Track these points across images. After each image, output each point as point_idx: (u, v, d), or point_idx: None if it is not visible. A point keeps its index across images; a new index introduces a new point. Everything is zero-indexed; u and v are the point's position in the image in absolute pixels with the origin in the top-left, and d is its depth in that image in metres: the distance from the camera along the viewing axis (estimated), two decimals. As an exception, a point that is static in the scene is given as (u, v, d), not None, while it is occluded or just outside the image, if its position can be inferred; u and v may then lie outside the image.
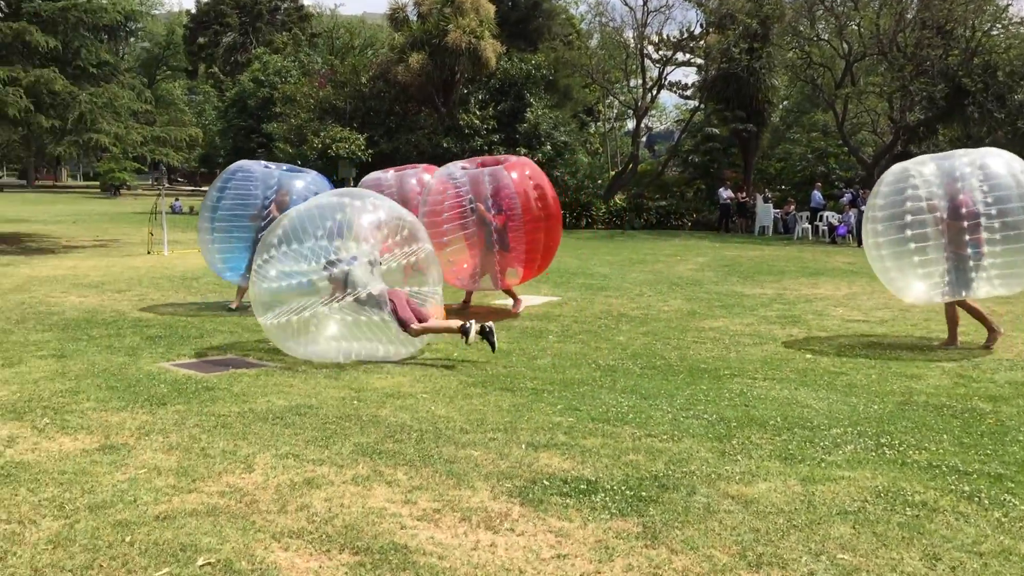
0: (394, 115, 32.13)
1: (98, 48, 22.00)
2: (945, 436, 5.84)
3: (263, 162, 12.50)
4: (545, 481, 4.79)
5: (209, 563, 3.69)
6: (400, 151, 29.62)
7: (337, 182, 21.46)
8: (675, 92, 42.01)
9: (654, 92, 38.68)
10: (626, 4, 35.35)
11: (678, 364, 8.30)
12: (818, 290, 14.29)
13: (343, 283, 8.05)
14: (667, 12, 35.70)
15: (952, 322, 9.24)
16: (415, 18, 31.83)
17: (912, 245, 8.78)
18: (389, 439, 5.55)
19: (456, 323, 8.31)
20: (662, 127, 69.55)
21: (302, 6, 62.61)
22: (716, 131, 35.21)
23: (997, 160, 8.82)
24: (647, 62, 36.85)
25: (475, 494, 4.59)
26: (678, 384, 7.41)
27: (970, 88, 28.36)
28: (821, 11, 31.68)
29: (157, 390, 6.78)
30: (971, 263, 8.70)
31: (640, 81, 38.43)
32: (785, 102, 41.85)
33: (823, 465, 5.18)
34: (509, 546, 3.95)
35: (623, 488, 4.68)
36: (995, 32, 31.61)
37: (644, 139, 47.91)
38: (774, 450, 5.46)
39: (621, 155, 51.68)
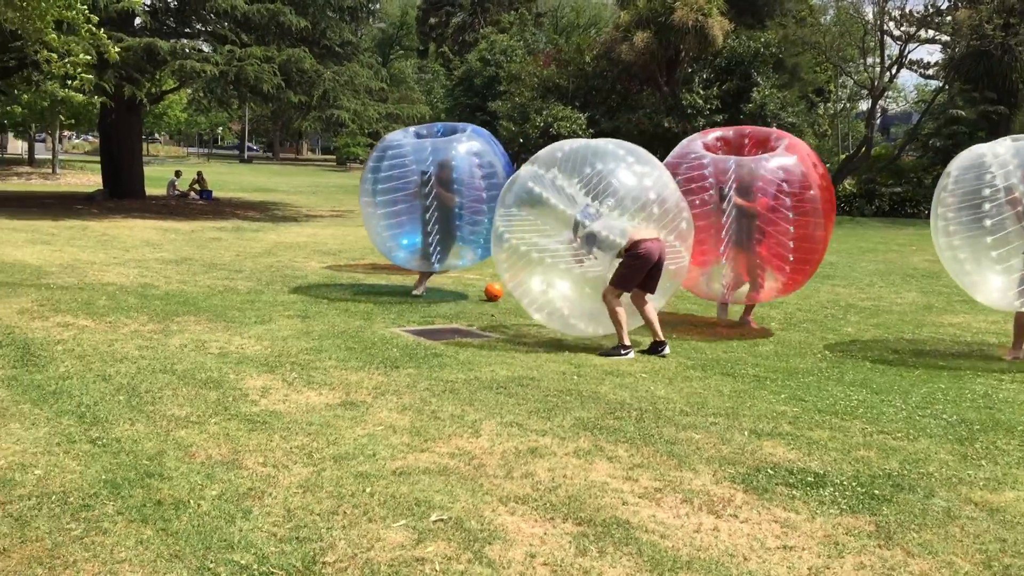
0: (616, 94, 32.09)
1: (342, 28, 23.38)
2: None
3: (413, 129, 11.33)
4: (770, 470, 4.68)
5: (442, 519, 3.89)
6: (620, 130, 29.53)
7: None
8: (916, 71, 39.27)
9: (893, 71, 36.39)
10: (866, -23, 33.31)
11: (913, 360, 7.84)
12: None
13: (587, 242, 7.53)
14: (912, -15, 33.36)
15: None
16: (641, -4, 31.55)
17: (989, 239, 7.54)
18: (609, 416, 5.61)
19: (658, 330, 7.74)
20: (899, 109, 65.35)
21: (529, -14, 63.68)
22: (962, 113, 32.66)
23: None
24: (886, 39, 34.69)
25: (697, 476, 4.56)
26: (913, 381, 7.01)
27: None
28: (1094, -20, 28.63)
29: (390, 353, 7.18)
30: None
31: (877, 59, 36.25)
32: (1044, 81, 38.19)
33: (1081, 479, 4.75)
34: (732, 532, 3.90)
35: (854, 484, 4.49)
36: None
37: (879, 121, 45.23)
38: (1023, 458, 5.06)
39: (852, 138, 49.07)
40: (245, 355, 6.91)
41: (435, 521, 3.87)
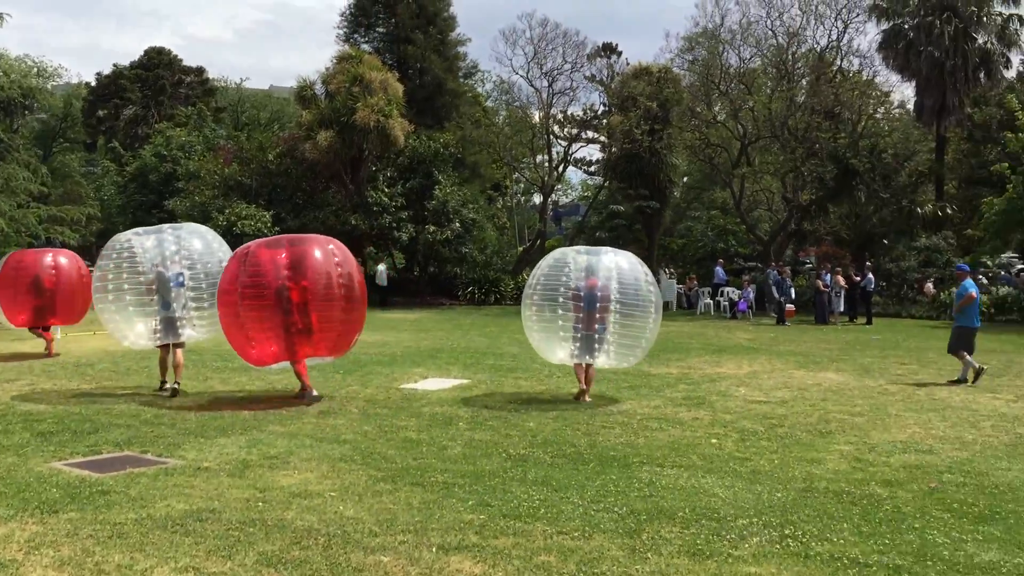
0: (301, 192, 31.94)
1: (-8, 125, 21.38)
2: (846, 525, 6.00)
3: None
4: (456, 589, 4.72)
5: None
6: (308, 228, 29.36)
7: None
8: (581, 169, 42.98)
9: (560, 169, 39.53)
10: (531, 85, 36.10)
11: (588, 452, 8.33)
12: (721, 368, 14.61)
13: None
14: (571, 94, 36.73)
15: (580, 378, 11.31)
16: (323, 96, 31.91)
17: (560, 322, 11.02)
18: (295, 546, 5.40)
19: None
20: (568, 200, 70.84)
21: (207, 80, 62.00)
22: (621, 208, 36.03)
23: (619, 257, 11.21)
24: (552, 139, 37.72)
25: (385, 606, 4.49)
26: (588, 474, 7.44)
27: (858, 168, 29.84)
28: (717, 94, 33.08)
29: (48, 495, 6.47)
30: (597, 337, 10.92)
31: (546, 158, 39.26)
32: (686, 178, 43.22)
33: (730, 560, 5.25)
34: (420, 665, 3.86)
35: (535, 594, 4.64)
36: (878, 115, 33.50)
37: (551, 214, 48.71)
38: (683, 546, 5.51)
39: (529, 229, 52.36)
40: None
41: None
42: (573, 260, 11.11)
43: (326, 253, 11.00)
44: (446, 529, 5.79)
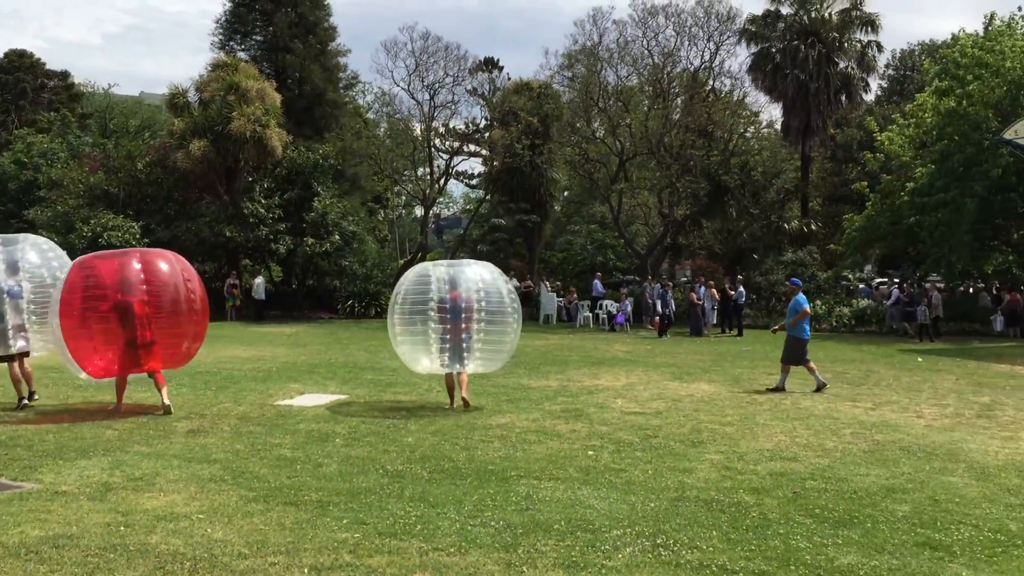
0: (173, 202, 30.88)
1: None
2: (714, 532, 6.16)
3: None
4: (328, 611, 4.62)
5: None
6: (180, 239, 28.46)
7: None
8: (462, 182, 43.03)
9: (441, 182, 39.48)
10: (413, 98, 35.90)
11: (466, 466, 8.31)
12: (599, 381, 14.84)
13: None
14: (453, 107, 36.70)
15: (450, 389, 11.68)
16: (196, 104, 30.93)
17: (430, 333, 11.38)
18: (159, 571, 5.19)
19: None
20: (450, 213, 70.89)
21: (72, 84, 59.31)
22: (502, 221, 36.28)
23: (481, 269, 11.86)
24: (434, 152, 37.66)
25: (253, 632, 4.35)
26: (466, 489, 7.41)
27: (729, 185, 30.95)
28: (595, 111, 33.73)
29: None
30: (464, 345, 11.39)
31: (428, 170, 39.16)
32: (566, 193, 43.88)
33: (604, 571, 5.32)
34: None
35: (409, 613, 4.59)
36: (748, 135, 34.84)
37: (433, 226, 48.60)
38: (558, 558, 5.55)
39: (410, 242, 52.14)
40: None
41: None
42: (434, 274, 11.60)
43: (172, 266, 11.26)
44: (319, 549, 5.66)
